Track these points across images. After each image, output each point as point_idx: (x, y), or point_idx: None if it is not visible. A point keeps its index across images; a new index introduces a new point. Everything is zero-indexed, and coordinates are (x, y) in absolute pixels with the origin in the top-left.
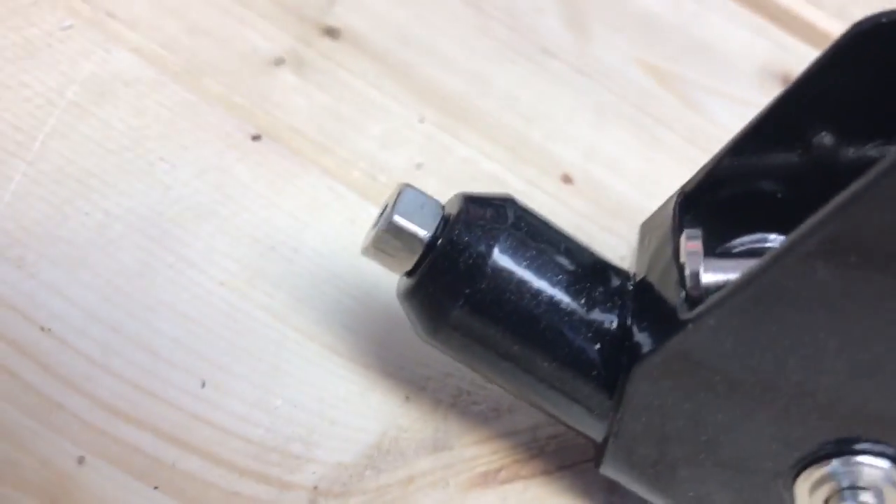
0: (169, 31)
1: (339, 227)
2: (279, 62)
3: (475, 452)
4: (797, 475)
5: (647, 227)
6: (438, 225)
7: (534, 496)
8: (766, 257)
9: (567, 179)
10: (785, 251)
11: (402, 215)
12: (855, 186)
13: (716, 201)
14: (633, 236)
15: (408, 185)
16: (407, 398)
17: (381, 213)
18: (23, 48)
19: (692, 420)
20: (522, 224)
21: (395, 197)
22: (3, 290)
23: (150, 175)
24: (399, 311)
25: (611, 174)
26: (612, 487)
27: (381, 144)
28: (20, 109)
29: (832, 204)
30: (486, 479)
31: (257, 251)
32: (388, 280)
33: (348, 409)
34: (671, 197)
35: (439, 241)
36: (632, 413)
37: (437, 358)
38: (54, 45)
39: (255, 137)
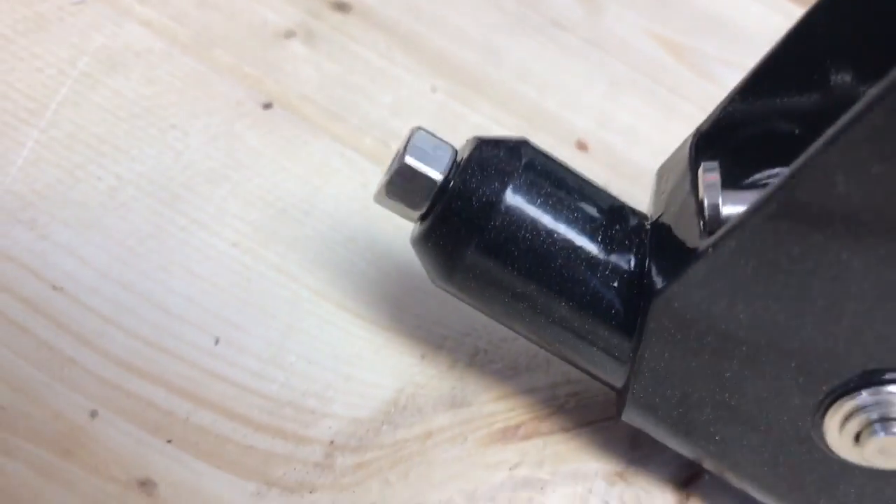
0: (178, 4)
1: (351, 192)
2: (289, 35)
3: (494, 409)
4: (826, 411)
5: (663, 170)
6: (451, 167)
7: (553, 452)
8: (784, 175)
9: (582, 146)
10: (802, 166)
11: (414, 157)
12: (872, 93)
13: (733, 140)
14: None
15: (420, 128)
16: (423, 356)
17: (394, 160)
18: (35, 22)
19: (715, 355)
20: (536, 165)
21: (407, 140)
22: (15, 250)
23: (162, 141)
24: (413, 272)
25: (626, 142)
26: (633, 444)
27: (392, 112)
28: (32, 80)
29: (851, 112)
30: (506, 435)
31: (269, 214)
32: (402, 243)
33: (364, 365)
34: (687, 139)
35: (451, 184)
36: (653, 350)
37: (454, 318)
38: (66, 18)
39: (266, 106)
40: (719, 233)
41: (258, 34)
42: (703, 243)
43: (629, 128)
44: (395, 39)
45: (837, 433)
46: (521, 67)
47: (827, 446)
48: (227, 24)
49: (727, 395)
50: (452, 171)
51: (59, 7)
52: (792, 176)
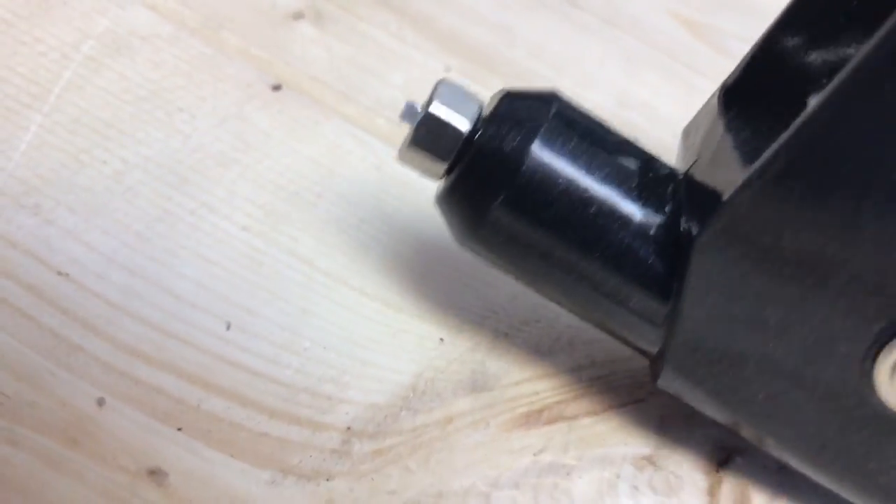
0: None
1: (364, 174)
2: (298, 16)
3: (516, 393)
4: (876, 355)
5: (688, 129)
6: (478, 119)
7: (579, 437)
8: (832, 85)
9: None
10: (854, 71)
11: (442, 104)
12: None
13: (762, 91)
14: None
15: (446, 79)
16: (442, 340)
17: (419, 113)
18: (37, 5)
19: (760, 298)
20: (565, 117)
21: (433, 90)
22: (19, 236)
23: (169, 125)
24: (430, 254)
25: (647, 119)
26: (662, 427)
27: (405, 93)
28: (35, 63)
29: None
30: (529, 420)
31: (281, 197)
32: (418, 225)
33: (381, 350)
34: (711, 97)
35: (478, 134)
36: (694, 299)
37: (474, 300)
38: (69, 2)
39: (276, 87)
40: (766, 154)
41: (266, 16)
42: (747, 170)
43: (648, 105)
44: (405, 19)
45: (888, 379)
46: (536, 46)
47: (877, 397)
48: (234, 6)
49: (771, 345)
50: (478, 123)
51: None
52: (840, 88)
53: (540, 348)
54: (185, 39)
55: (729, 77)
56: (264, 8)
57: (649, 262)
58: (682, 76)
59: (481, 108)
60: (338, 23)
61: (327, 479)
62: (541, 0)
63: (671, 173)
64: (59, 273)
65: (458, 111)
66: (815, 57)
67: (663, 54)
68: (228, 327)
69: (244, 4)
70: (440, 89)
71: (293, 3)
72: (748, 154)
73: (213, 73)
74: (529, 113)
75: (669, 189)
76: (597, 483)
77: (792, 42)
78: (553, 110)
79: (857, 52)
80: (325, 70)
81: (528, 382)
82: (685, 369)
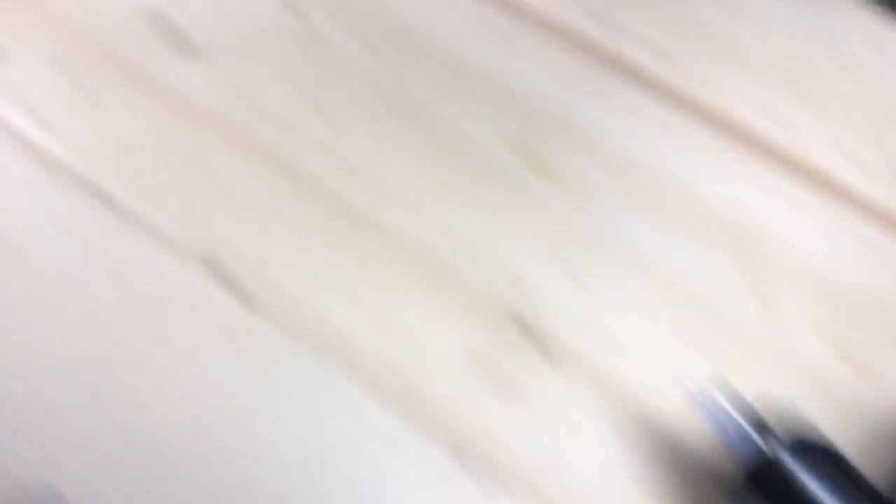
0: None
1: None
2: (484, 382)
3: None
4: None
5: None
6: (758, 452)
7: None
8: None
9: None
10: None
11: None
12: None
13: None
14: None
15: (745, 405)
16: None
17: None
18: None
19: None
20: (839, 471)
21: (721, 415)
22: None
23: None
24: None
25: None
26: None
27: (604, 477)
28: None
29: None
30: None
31: None
32: None
33: None
34: None
35: (757, 468)
36: None
37: None
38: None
39: (461, 459)
40: None
41: (448, 376)
42: None
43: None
44: (596, 388)
45: None
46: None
47: None
48: (416, 365)
49: None
50: (758, 458)
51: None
52: None
53: None
54: (379, 413)
55: None
56: (447, 368)
57: None
58: (843, 411)
59: (761, 439)
60: (528, 392)
61: None
62: (695, 321)
63: None
64: None
65: (740, 445)
66: None
67: (819, 389)
68: None
69: (424, 362)
70: (723, 418)
71: (475, 361)
72: None
73: (393, 446)
74: (807, 465)
75: None
76: None
77: None
78: (828, 465)
79: None
80: (516, 447)
81: None
82: None
